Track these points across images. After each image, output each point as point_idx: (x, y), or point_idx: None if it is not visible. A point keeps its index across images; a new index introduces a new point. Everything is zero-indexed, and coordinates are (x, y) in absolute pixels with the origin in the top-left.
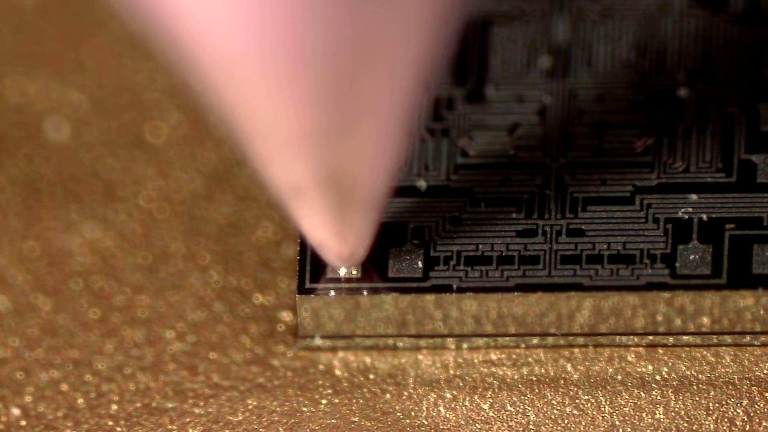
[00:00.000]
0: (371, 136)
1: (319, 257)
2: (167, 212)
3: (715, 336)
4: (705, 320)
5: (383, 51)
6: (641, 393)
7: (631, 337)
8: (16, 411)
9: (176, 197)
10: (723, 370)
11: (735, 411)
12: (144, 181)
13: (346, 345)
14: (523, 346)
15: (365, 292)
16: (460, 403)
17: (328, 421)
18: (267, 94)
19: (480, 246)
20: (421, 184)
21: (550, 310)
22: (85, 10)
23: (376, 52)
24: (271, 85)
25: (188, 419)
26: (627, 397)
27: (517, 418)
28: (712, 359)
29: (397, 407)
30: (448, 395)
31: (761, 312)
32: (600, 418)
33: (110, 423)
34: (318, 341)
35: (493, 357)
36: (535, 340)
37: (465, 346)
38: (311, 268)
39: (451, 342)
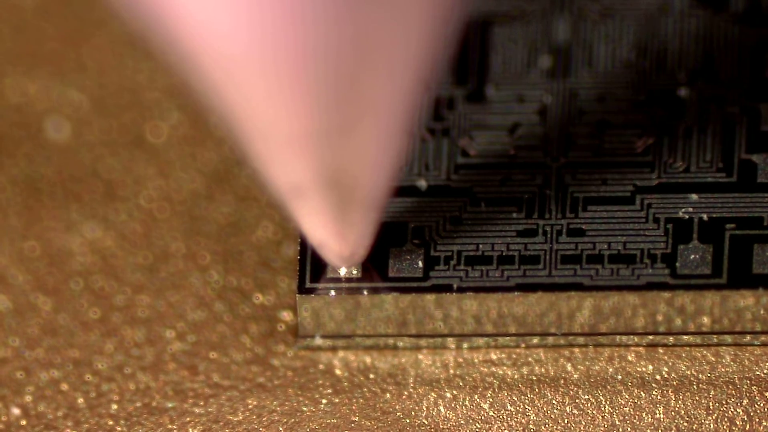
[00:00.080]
0: (372, 136)
1: (319, 257)
2: (167, 212)
3: (715, 336)
4: (705, 320)
5: (383, 51)
6: (641, 393)
7: (632, 336)
8: (16, 410)
9: (177, 197)
10: (723, 369)
11: (735, 410)
12: (144, 180)
13: (346, 345)
14: (523, 345)
15: (365, 292)
16: (461, 403)
17: (329, 421)
18: (267, 94)
19: (480, 246)
20: (422, 183)
21: (550, 309)
22: (85, 9)
23: (377, 52)
24: (271, 85)
25: (188, 419)
26: (627, 396)
27: (517, 418)
28: (713, 359)
29: (397, 407)
30: (449, 395)
31: (761, 312)
32: (600, 417)
33: (110, 422)
34: (318, 341)
35: (494, 357)
36: (536, 340)
37: (465, 345)
38: (311, 267)
39: (451, 342)
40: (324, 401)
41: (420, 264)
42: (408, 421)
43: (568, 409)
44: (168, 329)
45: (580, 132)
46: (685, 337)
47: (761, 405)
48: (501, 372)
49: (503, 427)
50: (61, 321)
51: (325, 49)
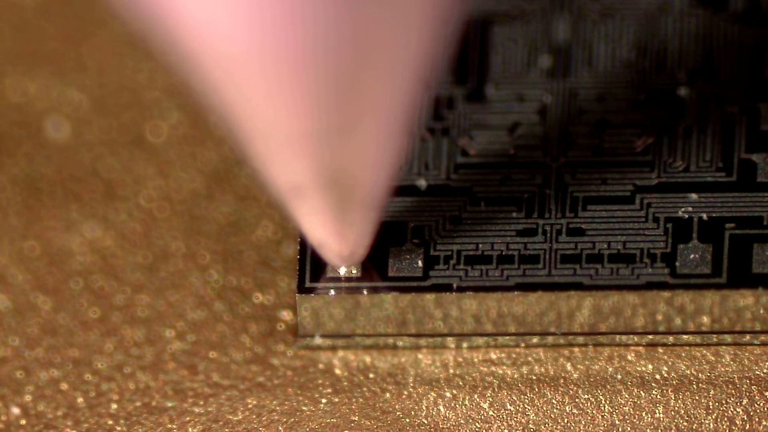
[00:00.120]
0: (371, 135)
1: (319, 256)
2: (167, 211)
3: (715, 335)
4: (705, 319)
5: (383, 51)
6: (641, 392)
7: (631, 336)
8: (16, 410)
9: (176, 196)
10: (723, 369)
11: (735, 410)
12: (144, 180)
13: (346, 344)
14: (523, 345)
15: (365, 292)
16: (460, 402)
17: (328, 420)
18: (267, 94)
19: (480, 245)
20: (422, 183)
21: (550, 309)
22: (85, 9)
23: (376, 52)
24: (271, 85)
25: (188, 418)
26: (627, 396)
27: (516, 417)
28: (712, 358)
29: (396, 406)
30: (448, 394)
31: (761, 311)
32: (600, 417)
33: (110, 422)
34: (318, 340)
35: (493, 356)
36: (535, 340)
37: (465, 345)
38: (311, 267)
39: (451, 341)
40: (324, 401)
41: (420, 263)
42: (408, 420)
43: (567, 408)
44: (168, 329)
45: (579, 131)
46: (684, 336)
47: (761, 404)
48: (501, 371)
49: (503, 427)
50: (60, 320)
51: (325, 49)
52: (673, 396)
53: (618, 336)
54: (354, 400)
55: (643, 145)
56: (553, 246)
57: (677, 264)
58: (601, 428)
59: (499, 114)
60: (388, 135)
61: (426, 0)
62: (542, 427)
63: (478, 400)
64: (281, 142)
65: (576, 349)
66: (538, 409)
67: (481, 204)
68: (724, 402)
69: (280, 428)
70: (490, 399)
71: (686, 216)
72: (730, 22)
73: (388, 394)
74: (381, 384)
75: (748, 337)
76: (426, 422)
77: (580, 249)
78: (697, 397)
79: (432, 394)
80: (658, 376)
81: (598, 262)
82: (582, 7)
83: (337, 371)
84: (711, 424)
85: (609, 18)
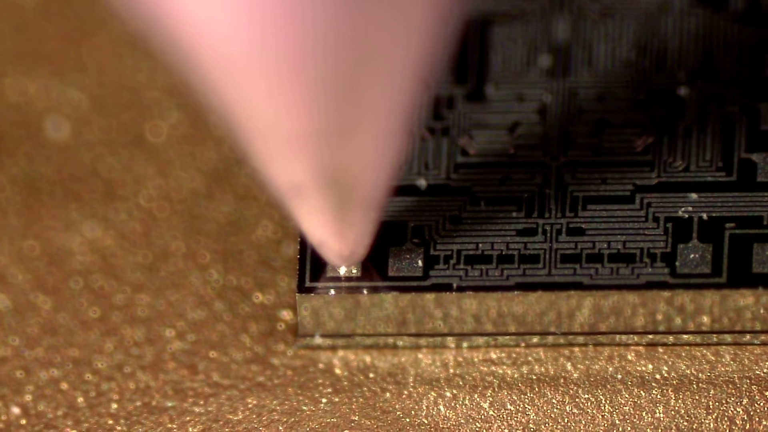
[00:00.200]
0: (371, 135)
1: (319, 256)
2: (167, 211)
3: (715, 335)
4: (705, 319)
5: (383, 51)
6: (641, 392)
7: (631, 336)
8: (16, 410)
9: (176, 196)
10: (723, 369)
11: (735, 410)
12: (144, 180)
13: (346, 344)
14: (523, 345)
15: (365, 291)
16: (460, 402)
17: (328, 420)
18: (267, 94)
19: (480, 245)
20: (421, 182)
21: (550, 309)
22: (85, 9)
23: (376, 52)
24: (271, 85)
25: (188, 418)
26: (627, 395)
27: (516, 417)
28: (712, 358)
29: (397, 406)
30: (448, 394)
31: (761, 311)
32: (600, 416)
33: (110, 422)
34: (318, 340)
35: (493, 356)
36: (535, 339)
37: (465, 345)
38: (311, 266)
39: (451, 341)
40: (324, 400)
41: (420, 263)
42: (408, 420)
43: (567, 408)
44: (168, 328)
45: (579, 131)
46: (684, 336)
47: (761, 404)
48: (501, 371)
49: (503, 427)
50: (60, 320)
51: (325, 49)
52: (673, 396)
53: (618, 336)
54: (354, 399)
55: (643, 145)
56: (553, 246)
57: (677, 264)
58: (601, 428)
59: (499, 114)
60: (388, 135)
61: (426, 0)
62: (542, 426)
63: (478, 399)
64: (281, 142)
65: (576, 349)
66: (538, 409)
67: (481, 204)
68: (724, 402)
69: (280, 428)
70: (490, 399)
71: (686, 216)
72: (730, 22)
73: (388, 394)
74: (381, 384)
75: (748, 336)
76: (426, 422)
77: (580, 249)
78: (697, 397)
79: (432, 393)
80: (658, 376)
81: (598, 262)
82: (582, 6)
83: (337, 371)
84: (711, 424)
85: (609, 18)
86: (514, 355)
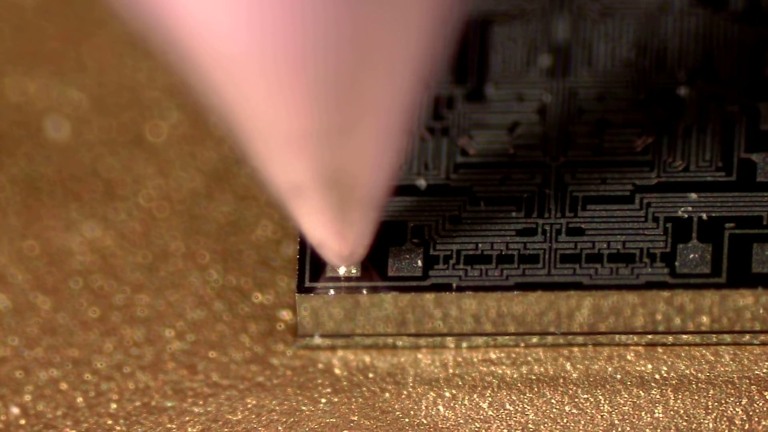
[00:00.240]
0: (371, 135)
1: (318, 256)
2: (167, 211)
3: (714, 335)
4: (704, 319)
5: (383, 51)
6: (640, 392)
7: (631, 336)
8: (15, 410)
9: (176, 196)
10: (722, 369)
11: (734, 410)
12: (144, 180)
13: (345, 344)
14: (522, 345)
15: (365, 291)
16: (460, 402)
17: (328, 420)
18: (267, 94)
19: (479, 245)
20: (421, 182)
21: (549, 309)
22: (85, 9)
23: (376, 51)
24: (271, 85)
25: (187, 418)
26: (626, 395)
27: (516, 417)
28: (712, 358)
29: (396, 406)
30: (448, 394)
31: (761, 311)
32: (599, 417)
33: (109, 422)
34: (317, 340)
35: (493, 356)
36: (535, 339)
37: (464, 345)
38: (311, 267)
39: (450, 341)
40: (323, 400)
41: (419, 263)
42: (407, 420)
43: (567, 408)
44: (167, 328)
45: (579, 131)
46: (684, 336)
47: (760, 404)
48: (500, 371)
49: (502, 427)
50: (60, 320)
51: (325, 49)
52: (672, 396)
53: (617, 336)
54: (353, 399)
55: (643, 145)
56: (553, 246)
57: (677, 264)
58: (601, 428)
59: (499, 114)
60: (388, 135)
61: (426, 0)
62: (541, 426)
63: (477, 399)
64: (281, 142)
65: (575, 349)
66: (538, 409)
67: (480, 204)
68: (723, 402)
69: (280, 428)
70: (490, 399)
71: (686, 216)
72: (730, 22)
73: (387, 394)
74: (380, 384)
75: (747, 336)
76: (425, 422)
77: (579, 249)
78: (696, 397)
79: (431, 393)
80: (657, 376)
81: (597, 262)
82: (582, 6)
83: (337, 371)
84: (710, 424)
85: (609, 17)
86: (513, 355)
